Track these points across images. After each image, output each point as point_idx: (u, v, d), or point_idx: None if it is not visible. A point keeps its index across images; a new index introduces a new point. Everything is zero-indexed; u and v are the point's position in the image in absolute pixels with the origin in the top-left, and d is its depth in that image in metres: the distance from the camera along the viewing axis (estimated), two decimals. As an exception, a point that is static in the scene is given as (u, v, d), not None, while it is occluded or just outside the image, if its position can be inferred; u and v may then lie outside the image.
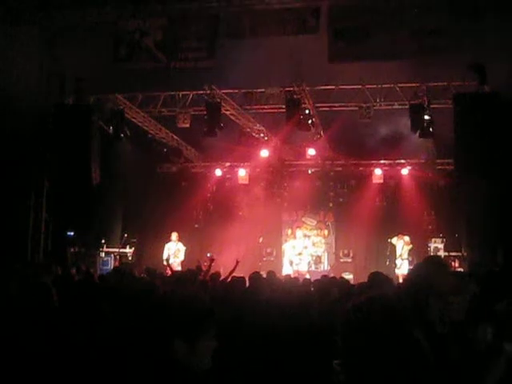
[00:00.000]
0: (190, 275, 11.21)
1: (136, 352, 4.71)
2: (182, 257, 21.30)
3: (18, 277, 8.58)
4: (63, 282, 9.33)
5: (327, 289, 9.63)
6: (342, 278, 12.86)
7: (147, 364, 4.36)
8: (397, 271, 20.91)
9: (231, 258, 15.81)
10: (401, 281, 18.27)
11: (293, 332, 5.96)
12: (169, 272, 17.93)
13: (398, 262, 21.46)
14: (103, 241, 21.74)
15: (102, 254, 21.60)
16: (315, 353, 5.36)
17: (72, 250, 19.97)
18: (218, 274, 13.04)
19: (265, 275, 11.71)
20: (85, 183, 19.18)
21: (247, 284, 10.04)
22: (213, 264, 14.98)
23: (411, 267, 20.93)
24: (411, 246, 21.48)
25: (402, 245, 21.63)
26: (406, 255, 21.50)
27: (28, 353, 5.36)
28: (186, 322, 3.98)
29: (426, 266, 3.97)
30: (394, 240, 21.81)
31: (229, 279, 11.58)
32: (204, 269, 14.59)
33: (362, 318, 2.66)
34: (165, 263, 20.20)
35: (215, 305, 6.43)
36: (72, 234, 20.13)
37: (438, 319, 3.68)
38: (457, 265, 18.88)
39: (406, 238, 21.69)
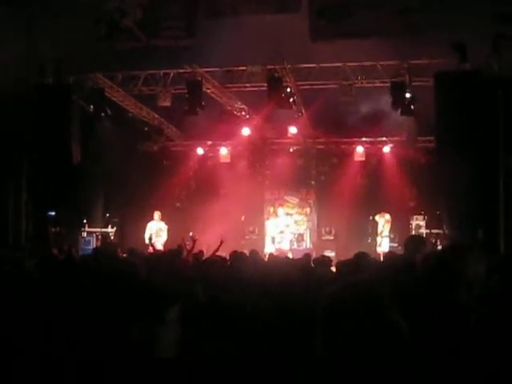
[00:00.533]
0: (171, 255, 11.21)
1: (98, 334, 4.71)
2: (164, 236, 21.31)
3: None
4: (46, 262, 9.33)
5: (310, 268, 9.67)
6: (325, 256, 12.88)
7: (106, 346, 4.36)
8: (378, 249, 21.02)
9: (214, 237, 15.83)
10: (381, 259, 18.40)
11: (274, 311, 5.95)
12: (151, 251, 17.94)
13: (379, 239, 21.58)
14: (85, 220, 21.64)
15: (84, 234, 21.52)
16: (297, 333, 5.36)
17: (53, 230, 19.88)
18: (201, 253, 13.05)
19: (247, 254, 11.75)
20: (65, 163, 19.12)
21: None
22: (196, 243, 14.96)
23: (393, 244, 21.12)
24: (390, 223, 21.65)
25: (383, 222, 21.75)
26: (386, 232, 21.63)
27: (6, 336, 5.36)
28: (147, 306, 4.00)
29: (454, 254, 3.95)
30: (377, 217, 21.92)
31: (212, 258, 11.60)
32: (187, 248, 14.58)
33: (338, 304, 2.66)
34: (147, 242, 20.20)
35: (194, 284, 6.44)
36: (53, 214, 20.03)
37: (467, 307, 3.69)
38: (438, 242, 18.94)
39: (387, 216, 21.83)
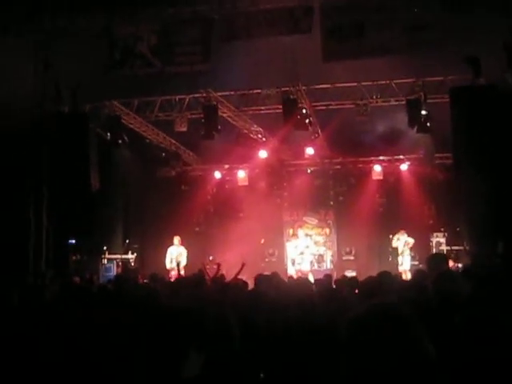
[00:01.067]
0: (196, 280, 11.19)
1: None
2: (184, 261, 21.30)
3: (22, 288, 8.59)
4: (67, 290, 9.36)
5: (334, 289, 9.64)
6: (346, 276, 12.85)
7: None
8: (400, 268, 20.90)
9: (234, 260, 15.82)
10: (405, 277, 18.30)
11: (298, 334, 5.93)
12: (173, 277, 17.95)
13: (400, 258, 21.44)
14: (105, 247, 21.69)
15: (105, 261, 21.54)
16: (321, 355, 5.34)
17: (74, 257, 19.93)
18: (222, 277, 13.04)
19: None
20: (84, 190, 19.18)
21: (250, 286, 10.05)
22: (220, 267, 14.90)
23: (414, 262, 21.01)
24: (411, 241, 21.48)
25: (403, 242, 21.60)
26: (407, 252, 21.48)
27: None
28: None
29: None
30: (395, 241, 21.77)
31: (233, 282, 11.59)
32: (208, 272, 14.56)
33: (363, 329, 2.64)
34: (168, 267, 20.25)
35: (219, 308, 6.42)
36: (73, 241, 20.09)
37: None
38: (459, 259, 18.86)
39: (405, 237, 21.62)
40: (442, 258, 9.61)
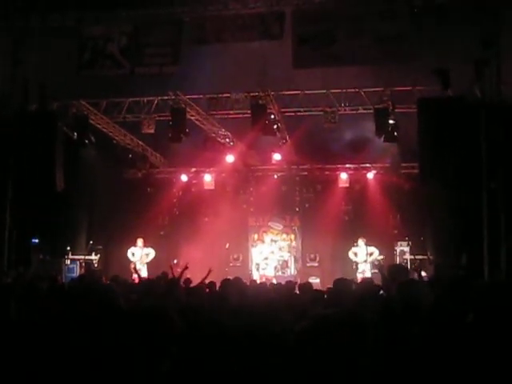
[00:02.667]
0: (159, 283, 11.14)
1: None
2: (150, 260, 21.32)
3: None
4: (31, 290, 9.26)
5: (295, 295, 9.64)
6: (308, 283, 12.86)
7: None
8: (358, 275, 20.71)
9: (198, 265, 15.76)
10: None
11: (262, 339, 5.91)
12: (136, 279, 17.84)
13: (361, 266, 21.39)
14: (68, 248, 21.55)
15: (68, 262, 21.41)
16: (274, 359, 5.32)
17: (37, 257, 19.75)
18: (188, 281, 13.03)
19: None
20: (49, 190, 19.00)
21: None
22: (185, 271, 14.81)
23: (375, 270, 21.03)
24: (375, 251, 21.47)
25: (363, 252, 21.53)
26: (369, 259, 21.41)
27: None
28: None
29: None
30: (351, 254, 21.72)
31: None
32: (173, 275, 14.49)
33: (308, 341, 2.65)
34: (132, 270, 20.15)
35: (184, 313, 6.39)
36: (37, 241, 19.92)
37: None
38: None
39: (364, 247, 21.57)
40: (402, 268, 9.72)
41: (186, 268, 14.18)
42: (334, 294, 8.11)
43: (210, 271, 14.07)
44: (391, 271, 8.41)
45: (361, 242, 21.55)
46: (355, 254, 21.54)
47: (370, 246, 21.49)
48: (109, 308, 6.35)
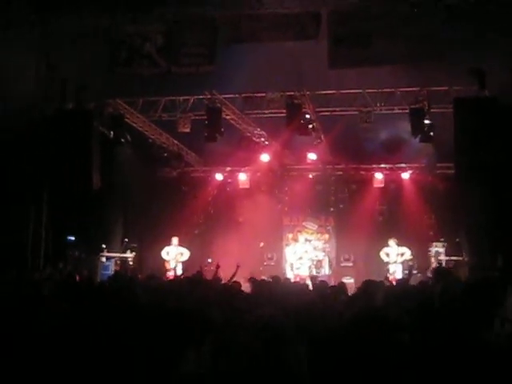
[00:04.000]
0: (193, 281, 11.19)
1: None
2: (185, 259, 21.40)
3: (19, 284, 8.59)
4: (66, 287, 9.37)
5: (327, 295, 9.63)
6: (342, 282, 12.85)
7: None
8: (390, 277, 20.54)
9: (232, 264, 15.81)
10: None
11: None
12: (171, 277, 17.96)
13: (392, 267, 21.25)
14: (104, 245, 21.70)
15: (103, 259, 21.55)
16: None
17: (72, 254, 19.92)
18: (219, 279, 13.05)
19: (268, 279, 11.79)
20: (85, 188, 19.17)
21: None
22: (218, 270, 14.86)
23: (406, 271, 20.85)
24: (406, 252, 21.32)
25: (394, 253, 21.39)
26: (400, 260, 21.26)
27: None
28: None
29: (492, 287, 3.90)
30: (383, 255, 21.59)
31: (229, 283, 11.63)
32: (206, 274, 14.58)
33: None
34: (167, 267, 20.31)
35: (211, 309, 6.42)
36: (73, 238, 20.09)
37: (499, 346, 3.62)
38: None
39: (396, 248, 21.42)
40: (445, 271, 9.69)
41: (218, 267, 14.27)
42: (361, 295, 8.13)
43: (237, 268, 14.15)
44: (436, 273, 8.42)
45: (392, 242, 21.43)
46: (387, 255, 21.42)
47: (401, 246, 21.38)
48: (135, 308, 6.41)
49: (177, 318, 5.24)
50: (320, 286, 11.32)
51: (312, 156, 23.61)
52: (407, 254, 21.18)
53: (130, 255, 22.47)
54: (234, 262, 15.66)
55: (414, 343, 4.08)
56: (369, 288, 8.20)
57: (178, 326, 5.05)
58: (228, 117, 20.74)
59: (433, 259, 21.54)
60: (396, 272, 20.88)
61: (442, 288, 6.06)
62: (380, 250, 21.82)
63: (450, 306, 5.54)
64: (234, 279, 12.89)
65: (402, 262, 21.03)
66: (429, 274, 18.94)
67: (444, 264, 20.27)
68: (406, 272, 19.50)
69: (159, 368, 4.62)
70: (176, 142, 23.91)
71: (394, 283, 15.17)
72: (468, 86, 17.59)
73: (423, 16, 16.35)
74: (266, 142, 23.24)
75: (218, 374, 4.79)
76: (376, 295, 7.86)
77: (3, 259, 15.73)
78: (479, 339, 3.58)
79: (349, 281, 20.72)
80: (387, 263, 21.41)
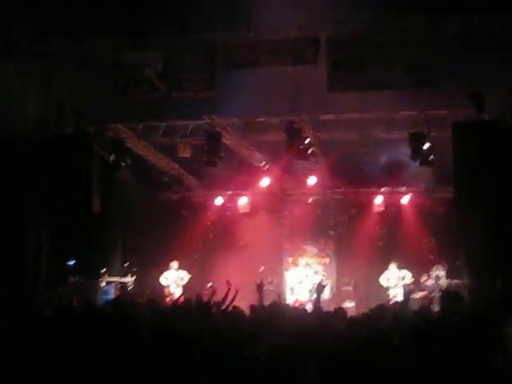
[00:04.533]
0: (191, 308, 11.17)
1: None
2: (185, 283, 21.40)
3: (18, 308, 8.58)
4: (65, 312, 9.36)
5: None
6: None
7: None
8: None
9: (232, 288, 15.79)
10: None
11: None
12: (170, 302, 17.92)
13: (392, 291, 21.24)
14: (104, 270, 21.69)
15: (103, 284, 21.53)
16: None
17: (72, 279, 19.90)
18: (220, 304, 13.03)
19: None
20: (85, 212, 19.18)
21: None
22: (215, 293, 14.79)
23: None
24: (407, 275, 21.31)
25: (395, 278, 21.39)
26: (400, 284, 21.25)
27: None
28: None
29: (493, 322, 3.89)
30: (384, 280, 21.58)
31: (229, 309, 11.61)
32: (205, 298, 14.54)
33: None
34: (167, 293, 20.29)
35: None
36: (72, 263, 20.09)
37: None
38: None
39: (397, 272, 21.42)
40: (456, 297, 9.65)
41: (215, 290, 14.19)
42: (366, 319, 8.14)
43: (236, 292, 14.10)
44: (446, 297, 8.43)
45: (392, 266, 21.45)
46: (387, 280, 21.41)
47: (401, 269, 21.39)
48: (136, 334, 6.40)
49: (181, 344, 5.25)
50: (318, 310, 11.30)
51: (311, 180, 23.67)
52: (408, 277, 21.19)
53: (130, 279, 22.44)
54: (234, 286, 15.65)
55: (415, 368, 4.09)
56: (380, 312, 8.23)
57: (183, 352, 5.06)
58: (228, 141, 20.78)
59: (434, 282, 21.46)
60: (397, 296, 20.85)
61: (446, 312, 6.08)
62: (380, 275, 21.83)
63: (452, 333, 5.54)
64: (233, 304, 12.85)
65: (403, 286, 20.99)
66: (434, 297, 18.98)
67: (444, 287, 20.26)
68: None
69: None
70: (176, 166, 23.95)
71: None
72: (467, 110, 17.62)
73: (419, 44, 16.43)
74: (266, 167, 23.29)
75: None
76: (383, 320, 7.88)
77: (3, 284, 15.72)
78: (484, 367, 3.57)
79: (350, 304, 20.71)
80: (387, 288, 21.40)
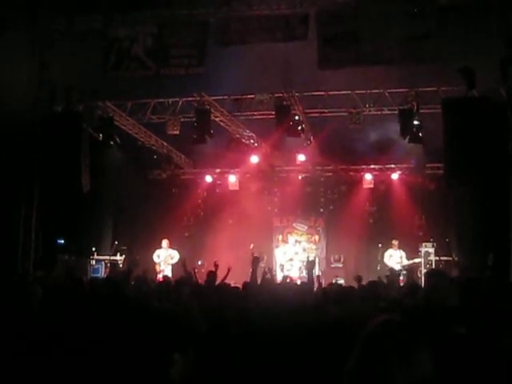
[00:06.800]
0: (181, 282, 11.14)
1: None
2: (175, 263, 21.34)
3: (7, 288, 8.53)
4: (55, 290, 9.31)
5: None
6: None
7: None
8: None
9: (222, 265, 15.79)
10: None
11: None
12: (160, 279, 17.90)
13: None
14: (94, 248, 21.66)
15: (93, 262, 21.52)
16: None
17: (62, 257, 19.88)
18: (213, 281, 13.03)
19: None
20: (75, 191, 19.11)
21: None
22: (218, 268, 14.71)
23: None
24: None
25: (396, 259, 21.32)
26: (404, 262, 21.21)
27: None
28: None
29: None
30: (387, 258, 21.48)
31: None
32: (197, 276, 14.56)
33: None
34: (157, 270, 20.28)
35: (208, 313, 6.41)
36: (62, 241, 20.05)
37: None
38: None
39: (398, 252, 21.35)
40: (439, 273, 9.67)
41: (217, 266, 14.12)
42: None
43: (229, 270, 14.12)
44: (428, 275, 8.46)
45: (395, 242, 21.33)
46: (390, 256, 21.29)
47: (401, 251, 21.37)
48: (133, 310, 6.39)
49: (165, 321, 5.24)
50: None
51: (301, 157, 23.63)
52: (403, 256, 21.17)
53: (119, 258, 22.42)
54: (224, 264, 15.64)
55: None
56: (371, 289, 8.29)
57: (166, 329, 5.05)
58: (217, 119, 20.74)
59: (423, 260, 21.50)
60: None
61: (431, 289, 6.05)
62: (372, 251, 21.93)
63: (439, 309, 5.52)
64: (225, 281, 12.85)
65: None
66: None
67: (434, 265, 20.32)
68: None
69: (148, 371, 4.61)
70: (165, 144, 23.90)
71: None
72: (457, 86, 17.58)
73: (411, 16, 16.37)
74: (256, 144, 23.27)
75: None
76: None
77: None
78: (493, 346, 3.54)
79: (339, 281, 20.72)
80: (379, 264, 21.37)
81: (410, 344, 2.64)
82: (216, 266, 13.98)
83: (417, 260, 20.63)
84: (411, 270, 20.16)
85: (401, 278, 19.32)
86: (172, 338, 4.98)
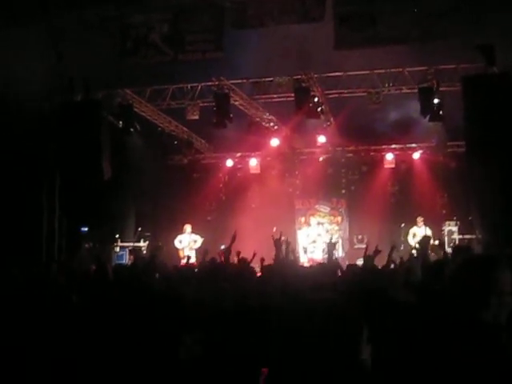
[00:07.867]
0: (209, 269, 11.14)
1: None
2: (198, 247, 21.39)
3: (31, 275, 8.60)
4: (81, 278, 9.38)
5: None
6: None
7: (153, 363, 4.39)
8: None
9: (246, 249, 15.81)
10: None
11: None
12: (184, 264, 17.97)
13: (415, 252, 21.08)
14: (117, 235, 21.76)
15: (117, 249, 21.62)
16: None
17: (87, 245, 19.99)
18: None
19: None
20: (96, 178, 19.21)
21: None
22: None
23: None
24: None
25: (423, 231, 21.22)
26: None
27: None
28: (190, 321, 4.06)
29: (485, 264, 3.78)
30: (411, 238, 21.39)
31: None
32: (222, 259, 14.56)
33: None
34: (181, 255, 20.34)
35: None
36: (86, 229, 20.15)
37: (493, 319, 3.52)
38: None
39: (423, 230, 21.22)
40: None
41: (234, 239, 14.07)
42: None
43: (254, 255, 14.09)
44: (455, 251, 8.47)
45: (420, 219, 21.24)
46: (414, 235, 21.19)
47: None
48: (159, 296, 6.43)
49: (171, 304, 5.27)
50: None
51: (322, 139, 23.59)
52: (430, 233, 21.05)
53: (143, 244, 22.52)
54: (248, 247, 15.65)
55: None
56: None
57: (180, 312, 5.08)
58: (236, 102, 20.74)
59: (446, 238, 21.43)
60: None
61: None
62: (395, 230, 21.83)
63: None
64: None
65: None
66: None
67: (457, 242, 20.23)
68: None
69: (160, 352, 4.65)
70: (185, 129, 23.95)
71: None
72: (477, 63, 17.45)
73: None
74: (276, 127, 23.24)
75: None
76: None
77: (17, 252, 15.79)
78: (475, 321, 3.50)
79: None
80: (403, 244, 21.28)
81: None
82: (238, 254, 13.93)
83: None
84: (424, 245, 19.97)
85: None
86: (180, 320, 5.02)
